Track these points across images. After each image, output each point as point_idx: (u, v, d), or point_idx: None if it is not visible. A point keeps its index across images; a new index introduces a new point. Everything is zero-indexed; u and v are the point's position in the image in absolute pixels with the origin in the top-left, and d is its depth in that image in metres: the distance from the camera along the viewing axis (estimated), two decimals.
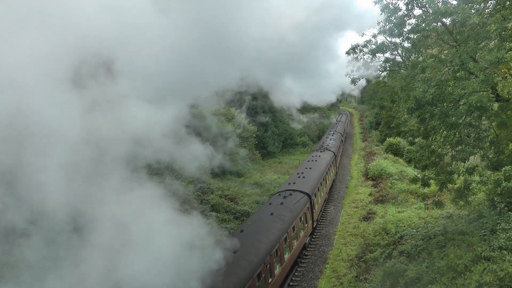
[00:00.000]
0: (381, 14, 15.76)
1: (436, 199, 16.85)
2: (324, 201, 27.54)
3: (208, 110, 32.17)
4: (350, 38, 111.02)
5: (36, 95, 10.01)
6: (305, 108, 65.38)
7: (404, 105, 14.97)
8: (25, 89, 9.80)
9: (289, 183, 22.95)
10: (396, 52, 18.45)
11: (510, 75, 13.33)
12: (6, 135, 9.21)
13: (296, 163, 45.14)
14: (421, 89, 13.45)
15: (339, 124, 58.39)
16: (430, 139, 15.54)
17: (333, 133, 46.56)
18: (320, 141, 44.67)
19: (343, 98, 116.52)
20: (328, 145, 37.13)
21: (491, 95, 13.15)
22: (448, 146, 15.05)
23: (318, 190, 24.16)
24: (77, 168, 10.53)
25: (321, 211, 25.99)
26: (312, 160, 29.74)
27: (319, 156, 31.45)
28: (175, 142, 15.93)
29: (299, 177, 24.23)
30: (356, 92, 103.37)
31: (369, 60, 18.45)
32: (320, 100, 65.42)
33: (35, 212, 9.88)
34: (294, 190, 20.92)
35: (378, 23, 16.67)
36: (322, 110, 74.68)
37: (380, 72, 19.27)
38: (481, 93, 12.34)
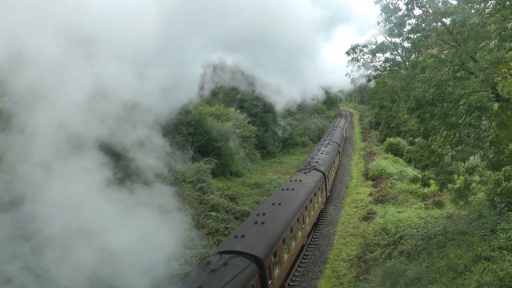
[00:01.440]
0: (381, 14, 15.79)
1: (436, 199, 16.87)
2: (302, 248, 19.69)
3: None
4: (336, 42, 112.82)
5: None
6: (287, 113, 61.35)
7: (404, 105, 14.99)
8: None
9: (236, 237, 14.43)
10: (396, 52, 18.48)
11: (510, 75, 13.33)
12: None
13: (297, 163, 45.10)
14: (421, 89, 13.47)
15: (336, 130, 48.92)
16: (430, 139, 15.56)
17: (328, 143, 37.93)
18: (309, 155, 35.01)
19: (341, 98, 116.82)
20: (317, 161, 28.66)
21: (491, 95, 13.17)
22: (448, 146, 15.06)
23: (284, 243, 15.66)
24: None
25: (294, 267, 18.19)
26: (288, 189, 21.04)
27: (300, 181, 22.86)
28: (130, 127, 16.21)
29: (256, 222, 15.71)
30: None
31: (369, 60, 18.44)
32: (304, 99, 62.21)
33: None
34: (237, 253, 12.88)
35: (378, 23, 16.71)
36: (321, 110, 73.92)
37: (380, 72, 19.27)
38: (481, 93, 12.36)
